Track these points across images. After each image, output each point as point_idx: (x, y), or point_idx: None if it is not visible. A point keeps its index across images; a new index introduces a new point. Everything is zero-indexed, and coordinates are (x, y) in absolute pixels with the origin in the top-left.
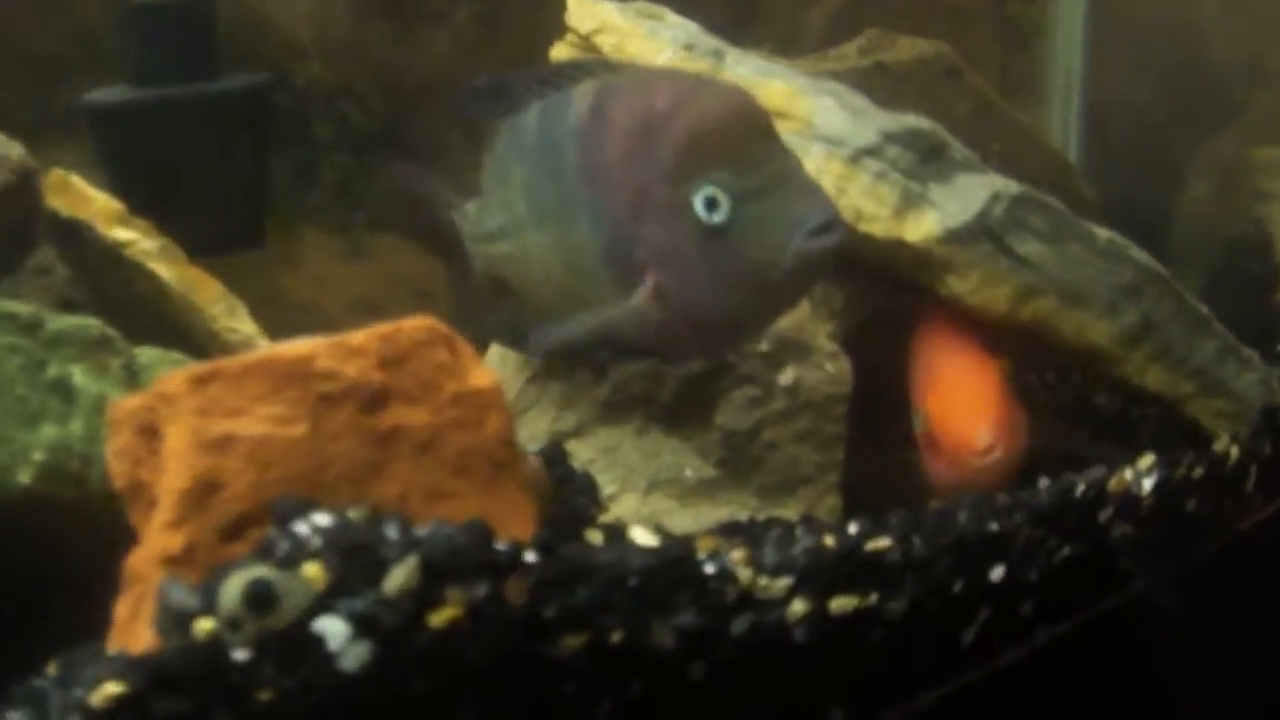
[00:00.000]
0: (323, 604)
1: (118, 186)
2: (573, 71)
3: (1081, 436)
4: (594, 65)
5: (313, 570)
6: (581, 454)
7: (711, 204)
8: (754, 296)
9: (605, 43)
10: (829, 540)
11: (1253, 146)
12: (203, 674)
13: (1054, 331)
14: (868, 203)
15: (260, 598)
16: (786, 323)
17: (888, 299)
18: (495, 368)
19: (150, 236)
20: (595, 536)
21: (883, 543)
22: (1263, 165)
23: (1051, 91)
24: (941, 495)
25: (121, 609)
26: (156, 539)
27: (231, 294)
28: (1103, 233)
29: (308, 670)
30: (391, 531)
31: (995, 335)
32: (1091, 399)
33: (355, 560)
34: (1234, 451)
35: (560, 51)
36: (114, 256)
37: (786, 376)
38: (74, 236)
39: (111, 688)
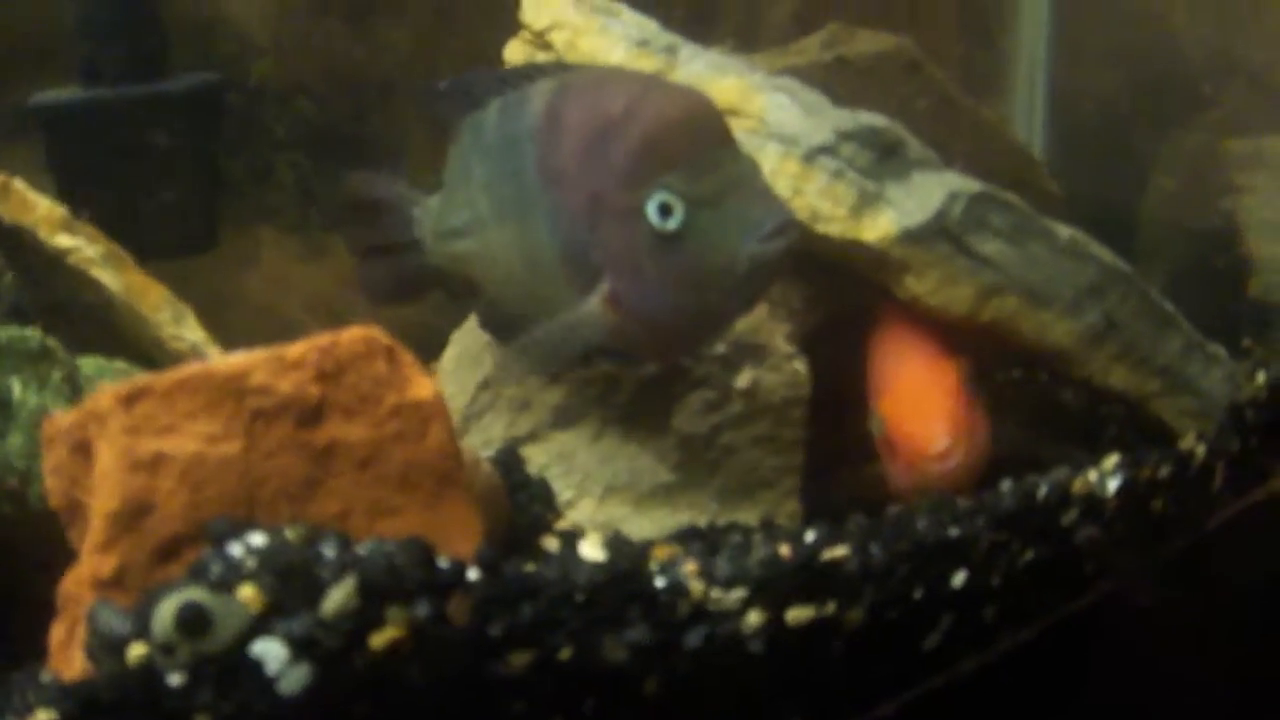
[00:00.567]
0: (259, 626)
1: (68, 189)
2: (532, 71)
3: (1045, 437)
4: (552, 67)
5: (248, 592)
6: (537, 459)
7: (665, 210)
8: (708, 301)
9: (559, 39)
10: (784, 549)
11: (1222, 139)
12: (136, 701)
13: (1015, 332)
14: (824, 202)
15: (194, 621)
16: (743, 325)
17: (847, 298)
18: (449, 372)
19: (93, 243)
20: (552, 543)
21: (840, 551)
22: (1235, 158)
23: (1015, 85)
24: (900, 500)
25: (57, 632)
26: (88, 561)
27: (178, 299)
28: (1065, 231)
29: (246, 695)
30: (329, 551)
31: (957, 335)
32: (1055, 399)
33: (291, 581)
34: (1200, 450)
35: (514, 48)
36: (57, 264)
37: (743, 379)
38: (17, 243)
39: (43, 715)
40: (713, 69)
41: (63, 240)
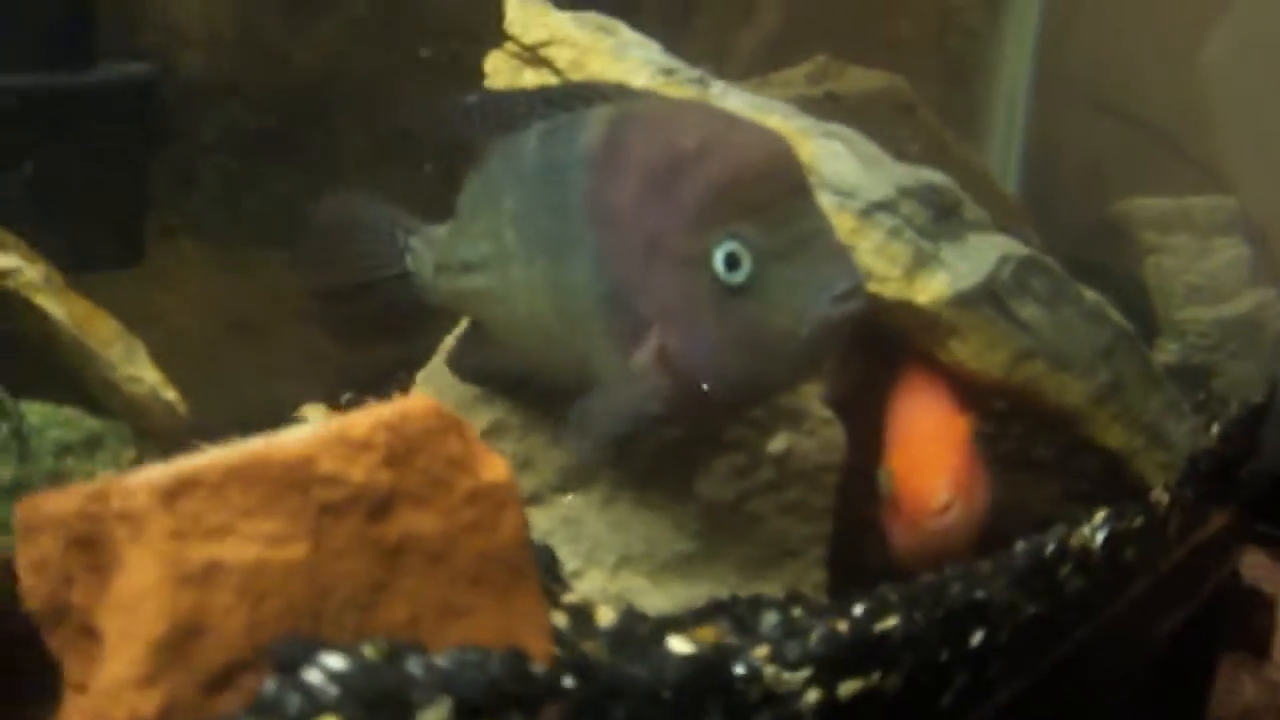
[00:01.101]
0: None
1: None
2: (587, 93)
3: (1025, 489)
4: (611, 90)
5: None
6: (539, 524)
7: (732, 261)
8: (767, 364)
9: (560, 57)
10: (841, 625)
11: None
12: None
13: (1039, 394)
14: (879, 262)
15: None
16: None
17: (878, 359)
18: None
19: (32, 262)
20: (559, 619)
21: (890, 622)
22: (1152, 216)
23: (991, 131)
24: (904, 559)
25: None
26: (119, 698)
27: (128, 332)
28: (1089, 294)
29: None
30: (416, 669)
31: (964, 390)
32: (1034, 449)
33: (380, 709)
34: (1164, 500)
35: (498, 62)
36: None
37: (778, 444)
38: None
39: None
40: (753, 107)
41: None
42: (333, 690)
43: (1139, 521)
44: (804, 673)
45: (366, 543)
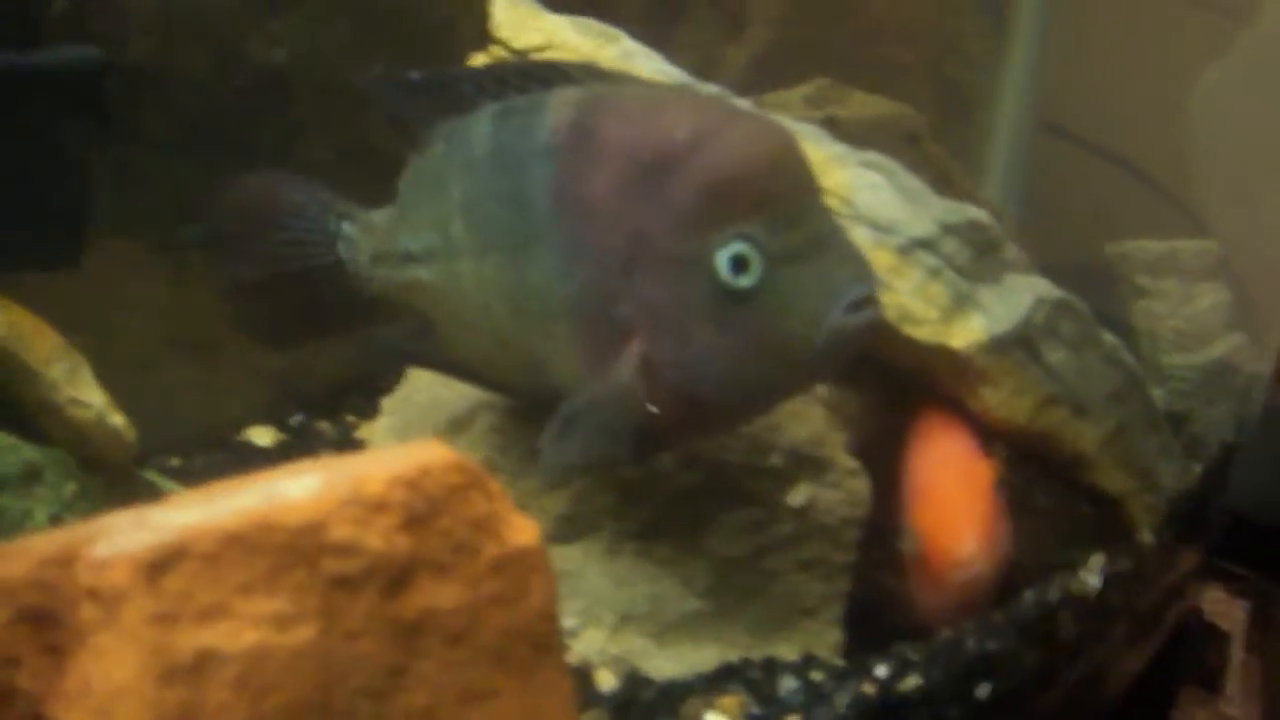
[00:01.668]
0: None
1: None
2: (546, 73)
3: (1027, 535)
4: (576, 70)
5: None
6: None
7: (740, 264)
8: (775, 375)
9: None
10: (868, 688)
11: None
12: None
13: (1058, 440)
14: (916, 303)
15: None
16: (803, 434)
17: (898, 404)
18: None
19: None
20: None
21: (913, 682)
22: (1142, 260)
23: (991, 165)
24: (929, 615)
25: None
26: None
27: (71, 347)
28: (1109, 337)
29: None
30: None
31: (983, 436)
32: (1034, 492)
33: None
34: (1150, 541)
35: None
36: None
37: (798, 497)
38: None
39: None
40: None
41: None
42: None
43: (1127, 565)
44: None
45: (383, 621)
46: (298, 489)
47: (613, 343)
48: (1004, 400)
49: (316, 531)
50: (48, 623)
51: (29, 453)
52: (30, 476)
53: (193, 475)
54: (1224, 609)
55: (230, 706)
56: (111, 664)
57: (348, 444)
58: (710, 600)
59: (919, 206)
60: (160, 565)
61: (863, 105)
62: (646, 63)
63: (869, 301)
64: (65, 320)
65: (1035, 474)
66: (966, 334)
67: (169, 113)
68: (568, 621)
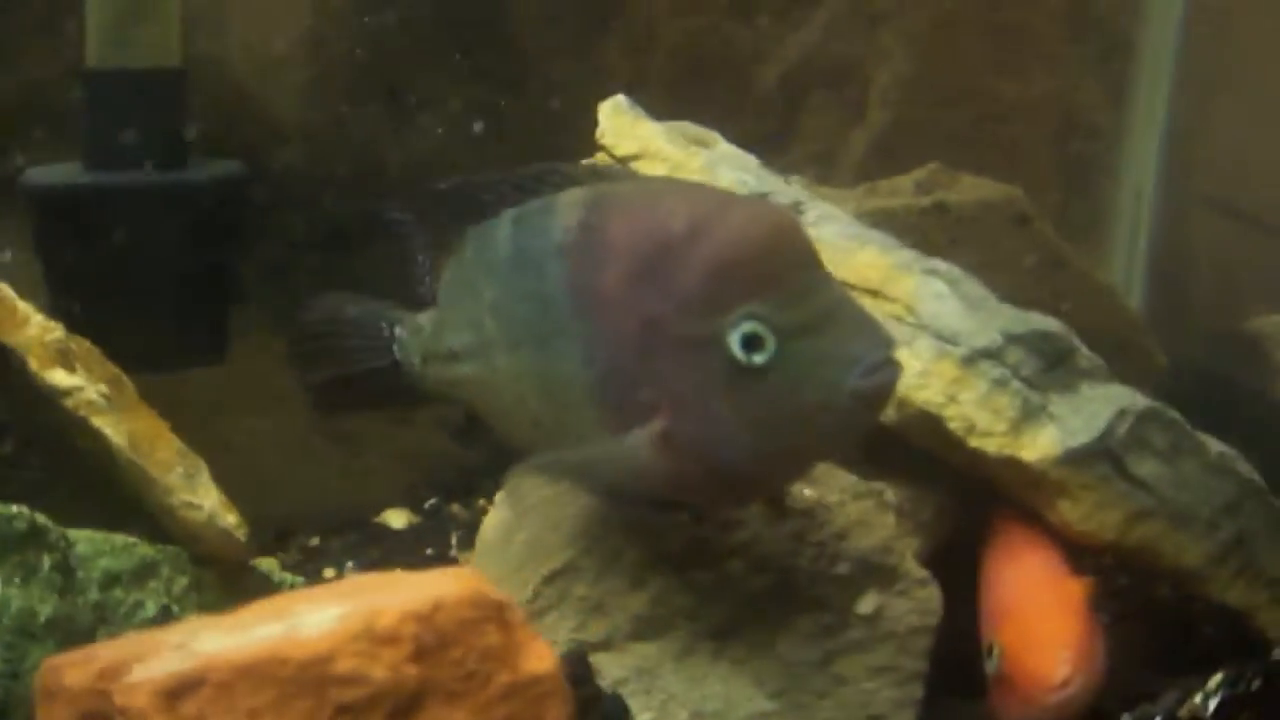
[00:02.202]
0: None
1: (58, 282)
2: (556, 177)
3: (1139, 648)
4: (581, 171)
5: None
6: (611, 672)
7: (753, 342)
8: (793, 442)
9: (651, 172)
10: None
11: None
12: None
13: (1155, 555)
14: (982, 414)
15: None
16: (870, 543)
17: (976, 509)
18: (492, 544)
19: (95, 380)
20: None
21: None
22: (1278, 336)
23: (1115, 239)
24: None
25: None
26: None
27: (189, 451)
28: (1214, 446)
29: None
30: None
31: (1072, 546)
32: (1137, 607)
33: None
34: None
35: None
36: (49, 401)
37: (867, 605)
38: (2, 361)
39: None
40: (849, 238)
41: (60, 378)
42: None
43: (1256, 685)
44: None
45: None
46: (315, 621)
47: (634, 422)
48: (1087, 514)
49: (323, 664)
50: None
51: (145, 550)
52: (144, 572)
53: (328, 556)
54: None
55: None
56: None
57: (477, 527)
58: (781, 701)
59: (983, 315)
60: (178, 692)
61: (972, 189)
62: (728, 171)
63: (887, 364)
64: (216, 413)
65: (1139, 587)
66: (1038, 447)
67: (311, 215)
68: (642, 716)
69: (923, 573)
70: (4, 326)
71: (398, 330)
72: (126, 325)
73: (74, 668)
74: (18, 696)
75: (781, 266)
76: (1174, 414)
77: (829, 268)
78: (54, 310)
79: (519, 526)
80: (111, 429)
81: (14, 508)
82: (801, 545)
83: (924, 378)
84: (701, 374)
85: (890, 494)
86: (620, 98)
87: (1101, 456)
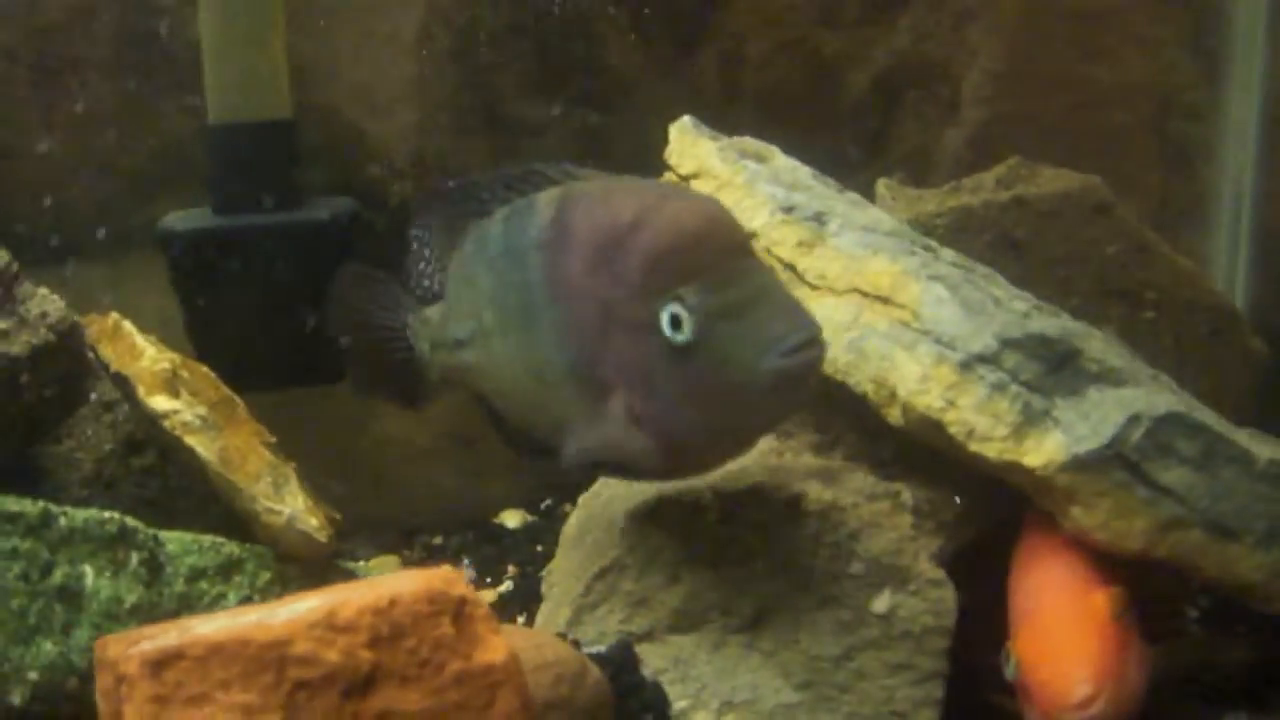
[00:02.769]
0: None
1: (192, 316)
2: (537, 177)
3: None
4: (557, 172)
5: None
6: (652, 661)
7: (676, 322)
8: (727, 417)
9: (703, 189)
10: None
11: None
12: None
13: (1195, 567)
14: (981, 418)
15: None
16: (881, 544)
17: (1004, 510)
18: (570, 540)
19: (194, 403)
20: None
21: None
22: None
23: (1218, 221)
24: None
25: None
26: None
27: (282, 461)
28: (1265, 452)
29: None
30: None
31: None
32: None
33: None
34: None
35: None
36: (155, 426)
37: (880, 604)
38: (126, 387)
39: None
40: (863, 247)
41: (160, 403)
42: None
43: None
44: None
45: (343, 717)
46: (286, 612)
47: (602, 398)
48: (1103, 522)
49: (282, 646)
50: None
51: (231, 548)
52: (230, 568)
53: (447, 553)
54: None
55: None
56: None
57: None
58: (807, 693)
59: (981, 320)
60: (161, 662)
61: (1051, 180)
62: (765, 186)
63: (808, 346)
64: (351, 422)
65: (1211, 608)
66: (1043, 452)
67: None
68: (679, 704)
69: (938, 573)
70: (124, 359)
71: (410, 318)
72: (254, 351)
73: (116, 643)
74: None
75: (710, 254)
76: (1204, 419)
77: (846, 276)
78: (189, 339)
79: (590, 528)
80: (203, 446)
81: (107, 513)
82: (818, 545)
83: (924, 383)
84: (645, 354)
85: (907, 495)
86: (687, 119)
87: (1114, 463)
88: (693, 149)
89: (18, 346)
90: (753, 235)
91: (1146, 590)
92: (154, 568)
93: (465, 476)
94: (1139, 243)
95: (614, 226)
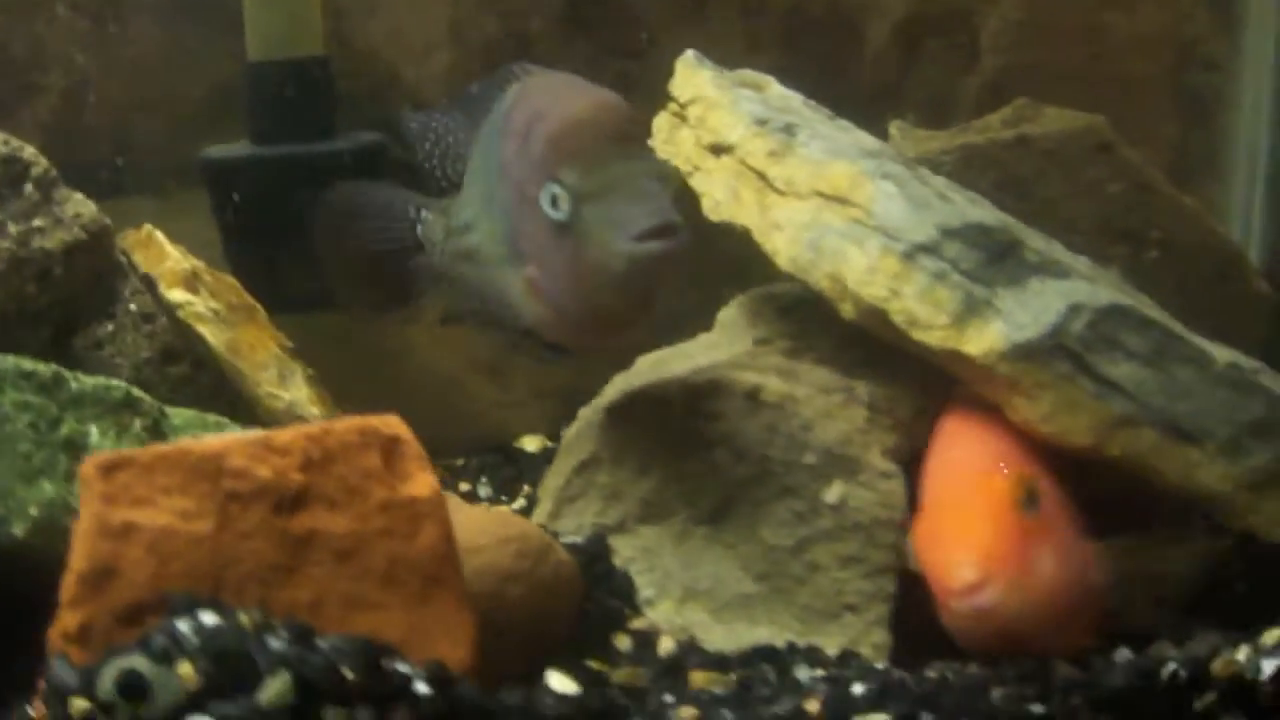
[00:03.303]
0: (195, 703)
1: (230, 240)
2: (507, 75)
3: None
4: (520, 70)
5: (186, 669)
6: (623, 552)
7: (554, 201)
8: (596, 293)
9: (693, 114)
10: (812, 706)
11: None
12: None
13: (1154, 471)
14: (923, 307)
15: (133, 688)
16: (833, 435)
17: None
18: (568, 444)
19: (211, 299)
20: (623, 642)
21: (879, 718)
22: None
23: (1234, 170)
24: (958, 639)
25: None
26: (60, 615)
27: (293, 358)
28: (1222, 355)
29: None
30: (276, 641)
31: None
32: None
33: (228, 665)
34: None
35: (661, 120)
36: (173, 316)
37: (832, 494)
38: (154, 290)
39: None
40: (827, 153)
41: (176, 295)
42: (194, 640)
43: None
44: None
45: (272, 530)
46: (230, 436)
47: (520, 272)
48: (1048, 415)
49: (219, 459)
50: None
51: (234, 429)
52: None
53: (468, 472)
54: None
55: (141, 561)
56: (79, 522)
57: None
58: (764, 585)
59: (924, 213)
60: (113, 466)
61: (1054, 120)
62: (747, 105)
63: (659, 233)
64: (386, 351)
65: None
66: (982, 340)
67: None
68: (645, 592)
69: (888, 466)
70: (152, 262)
71: (424, 213)
72: (284, 272)
73: (93, 460)
74: None
75: (591, 142)
76: (1153, 315)
77: (809, 180)
78: (226, 262)
79: (583, 432)
80: (213, 335)
81: (114, 381)
82: (774, 436)
83: (871, 274)
84: (538, 229)
85: (863, 390)
86: (690, 53)
87: (1056, 353)
88: (693, 79)
89: (51, 242)
90: (731, 148)
91: (1109, 493)
92: (157, 434)
93: (490, 404)
94: (1142, 182)
95: (530, 114)
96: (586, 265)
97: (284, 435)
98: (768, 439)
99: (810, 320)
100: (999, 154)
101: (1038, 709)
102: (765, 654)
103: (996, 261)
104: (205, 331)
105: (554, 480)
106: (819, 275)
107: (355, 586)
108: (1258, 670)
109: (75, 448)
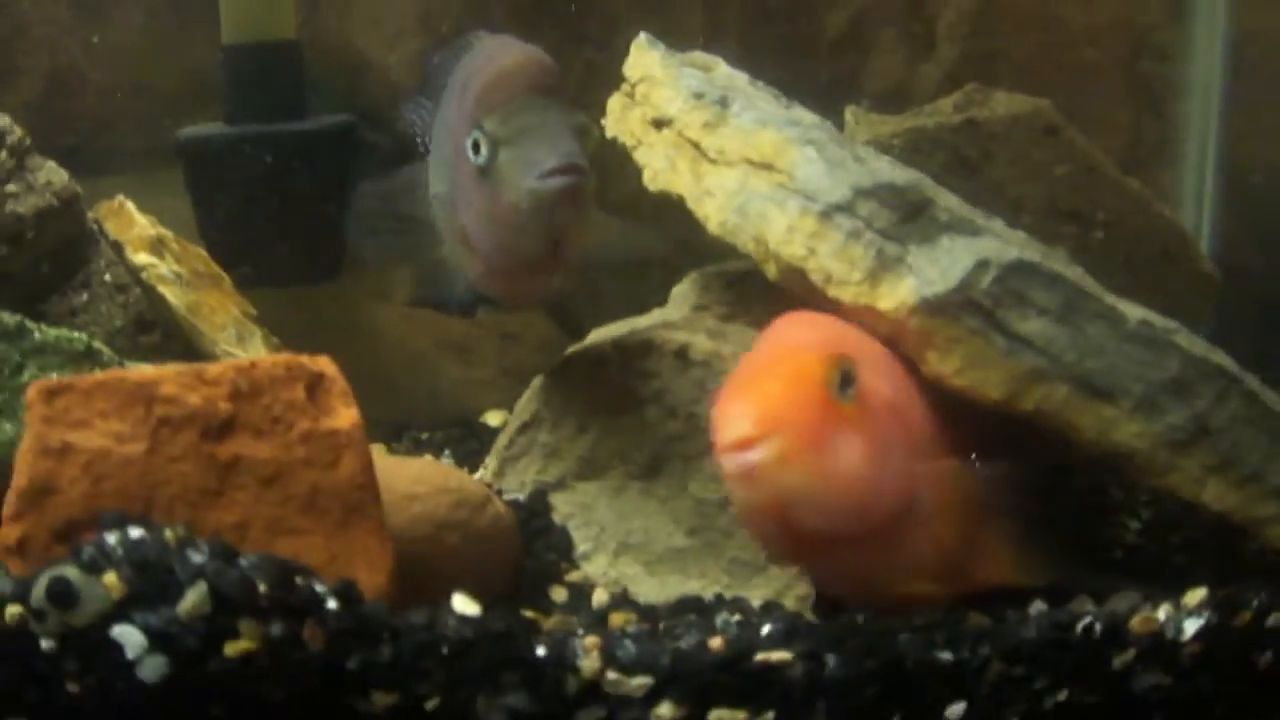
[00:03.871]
0: (119, 612)
1: (203, 216)
2: (470, 40)
3: (1110, 561)
4: (475, 37)
5: (111, 578)
6: (562, 508)
7: (476, 147)
8: (510, 233)
9: (639, 92)
10: (716, 642)
11: None
12: (11, 654)
13: (1070, 427)
14: (838, 264)
15: (60, 595)
16: None
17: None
18: (517, 415)
19: (175, 263)
20: (559, 594)
21: (781, 655)
22: None
23: (1186, 156)
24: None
25: None
26: (3, 529)
27: (252, 322)
28: (1135, 312)
29: (107, 672)
30: (196, 556)
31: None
32: (1128, 514)
33: (149, 576)
34: None
35: (614, 101)
36: (138, 279)
37: None
38: (121, 255)
39: None
40: (756, 122)
41: (141, 258)
42: (119, 552)
43: (1252, 609)
44: (641, 679)
45: (200, 454)
46: (167, 367)
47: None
48: (959, 369)
49: (152, 386)
50: None
51: None
52: None
53: (433, 445)
54: None
55: (77, 480)
56: (25, 440)
57: None
58: (695, 539)
59: (839, 174)
60: (55, 391)
61: (1002, 104)
62: (687, 81)
63: (562, 171)
64: (350, 323)
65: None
66: (895, 295)
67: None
68: (582, 546)
69: None
70: (121, 229)
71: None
72: (257, 248)
73: (37, 384)
74: None
75: (511, 92)
76: (1063, 270)
77: (740, 149)
78: (200, 237)
79: (529, 395)
80: (174, 297)
81: (76, 333)
82: (703, 393)
83: (790, 233)
84: (465, 178)
85: None
86: (643, 35)
87: (966, 308)
88: (644, 60)
89: (24, 207)
90: (670, 120)
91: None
92: None
93: (457, 381)
94: (1087, 164)
95: (466, 75)
96: (499, 205)
97: (215, 368)
98: (697, 396)
99: (749, 289)
100: (947, 137)
101: (945, 655)
102: (692, 604)
103: (909, 220)
104: (167, 293)
105: (500, 440)
106: (745, 238)
107: (279, 511)
108: (1179, 629)
109: None
